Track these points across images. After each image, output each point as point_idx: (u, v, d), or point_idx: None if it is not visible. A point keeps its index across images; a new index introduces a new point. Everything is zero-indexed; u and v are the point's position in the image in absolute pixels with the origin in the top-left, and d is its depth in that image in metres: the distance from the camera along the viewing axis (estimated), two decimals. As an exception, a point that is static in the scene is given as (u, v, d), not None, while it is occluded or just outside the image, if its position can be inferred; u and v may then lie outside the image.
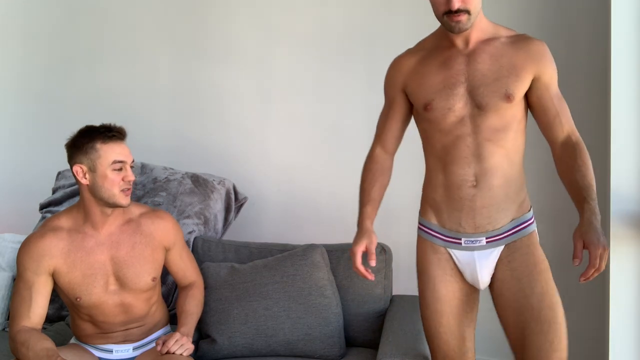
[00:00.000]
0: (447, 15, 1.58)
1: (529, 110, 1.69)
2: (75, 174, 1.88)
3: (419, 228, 1.78)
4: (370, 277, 1.71)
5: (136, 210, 2.03)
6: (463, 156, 1.64)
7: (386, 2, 2.73)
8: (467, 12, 1.57)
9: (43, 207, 2.78)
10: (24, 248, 1.90)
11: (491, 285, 1.72)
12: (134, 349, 1.99)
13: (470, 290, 1.73)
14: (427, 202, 1.75)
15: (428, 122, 1.70)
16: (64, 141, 1.93)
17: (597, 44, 2.38)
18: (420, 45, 1.76)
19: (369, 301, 2.25)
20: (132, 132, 2.00)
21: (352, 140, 2.76)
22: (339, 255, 2.29)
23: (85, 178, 1.87)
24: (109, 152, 1.86)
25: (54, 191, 2.80)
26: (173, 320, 2.19)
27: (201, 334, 2.25)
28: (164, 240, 2.01)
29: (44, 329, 2.05)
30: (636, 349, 1.94)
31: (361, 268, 1.70)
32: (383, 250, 2.28)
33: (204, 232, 2.53)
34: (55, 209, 2.71)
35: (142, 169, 2.69)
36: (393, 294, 2.35)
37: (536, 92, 1.64)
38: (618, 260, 1.94)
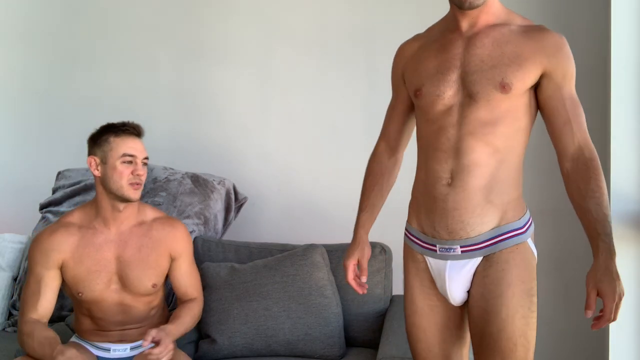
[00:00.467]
0: None
1: (539, 113, 1.51)
2: (89, 165, 1.94)
3: (404, 234, 1.63)
4: (362, 290, 1.66)
5: (151, 214, 2.04)
6: (442, 150, 1.46)
7: (386, 1, 2.73)
8: None
9: (43, 207, 2.78)
10: (35, 242, 1.95)
11: (467, 301, 1.52)
12: (132, 348, 1.99)
13: (452, 305, 1.54)
14: (412, 203, 1.60)
15: (419, 111, 1.55)
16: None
17: (597, 44, 2.38)
18: (429, 30, 1.61)
19: (369, 301, 2.25)
20: (132, 132, 2.00)
21: (352, 140, 2.76)
22: (339, 255, 2.29)
23: (97, 170, 1.92)
24: (120, 145, 1.91)
25: (54, 191, 2.80)
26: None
27: (201, 334, 2.25)
28: (170, 248, 2.00)
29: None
30: (636, 349, 1.94)
31: (353, 283, 1.65)
32: (383, 250, 2.28)
33: (204, 232, 2.53)
34: (55, 209, 2.71)
35: (142, 169, 2.70)
36: (393, 294, 2.36)
37: (546, 91, 1.44)
38: (618, 261, 1.94)
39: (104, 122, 2.00)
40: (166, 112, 2.99)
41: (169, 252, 2.00)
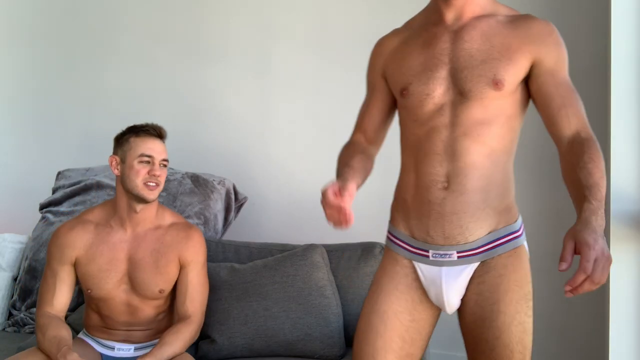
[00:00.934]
0: None
1: (532, 105, 1.44)
2: (110, 164, 1.97)
3: (386, 237, 1.54)
4: (345, 221, 1.29)
5: (170, 219, 2.04)
6: (436, 152, 1.38)
7: (387, 1, 2.73)
8: None
9: (43, 207, 2.78)
10: (53, 237, 1.98)
11: (460, 307, 1.45)
12: (136, 349, 1.99)
13: (420, 317, 1.45)
14: (397, 206, 1.50)
15: (405, 111, 1.46)
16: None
17: (597, 44, 2.38)
18: (408, 24, 1.54)
19: (369, 301, 2.25)
20: (132, 132, 2.00)
21: (352, 140, 2.76)
22: (339, 255, 2.29)
23: (117, 169, 1.96)
24: (139, 145, 1.93)
25: (54, 191, 2.80)
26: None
27: (201, 334, 2.25)
28: (180, 254, 1.98)
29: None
30: (636, 348, 1.94)
31: (333, 202, 1.27)
32: (383, 250, 2.28)
33: (204, 232, 2.53)
34: (55, 209, 2.71)
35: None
36: (393, 294, 2.35)
37: (537, 80, 1.38)
38: (618, 260, 1.94)
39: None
40: (166, 112, 2.99)
41: (178, 258, 1.99)
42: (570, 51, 2.67)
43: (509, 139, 1.41)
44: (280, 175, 2.88)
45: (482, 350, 1.38)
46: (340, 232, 2.28)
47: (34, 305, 2.53)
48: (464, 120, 1.37)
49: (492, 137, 1.38)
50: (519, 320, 1.37)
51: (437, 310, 1.49)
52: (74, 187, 2.72)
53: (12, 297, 2.64)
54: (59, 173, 2.86)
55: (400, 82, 1.44)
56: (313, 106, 2.85)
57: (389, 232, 1.53)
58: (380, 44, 1.57)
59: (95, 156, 2.79)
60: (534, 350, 2.35)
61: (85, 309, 2.05)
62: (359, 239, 2.32)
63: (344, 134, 2.81)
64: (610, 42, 1.99)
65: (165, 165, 1.99)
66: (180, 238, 2.00)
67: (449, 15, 1.42)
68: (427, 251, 1.42)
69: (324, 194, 1.29)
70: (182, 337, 1.91)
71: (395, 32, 1.56)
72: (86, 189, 2.70)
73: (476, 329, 1.39)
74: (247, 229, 2.84)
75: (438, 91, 1.39)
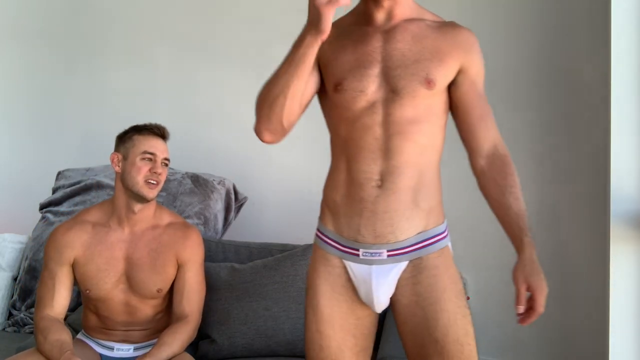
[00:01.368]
0: None
1: (450, 113, 1.47)
2: (111, 161, 1.98)
3: (315, 235, 1.53)
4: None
5: (168, 218, 2.04)
6: (370, 150, 1.39)
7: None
8: None
9: (43, 207, 2.78)
10: (50, 238, 1.98)
11: (393, 309, 1.46)
12: (135, 349, 1.99)
13: (364, 314, 1.47)
14: (327, 204, 1.49)
15: (335, 108, 1.45)
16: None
17: (597, 44, 2.38)
18: (336, 24, 1.48)
19: (369, 301, 2.24)
20: (132, 132, 2.00)
21: (352, 140, 2.76)
22: (339, 255, 2.29)
23: (118, 166, 1.97)
24: (142, 142, 1.95)
25: (54, 191, 2.80)
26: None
27: (201, 334, 2.25)
28: (178, 254, 1.98)
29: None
30: (636, 348, 1.94)
31: None
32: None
33: (204, 232, 2.53)
34: (55, 209, 2.71)
35: (142, 169, 2.70)
36: (393, 294, 2.35)
37: (461, 87, 1.42)
38: (618, 260, 1.94)
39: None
40: (166, 112, 2.99)
41: (175, 258, 1.99)
42: (571, 51, 2.68)
43: (439, 137, 1.44)
44: (280, 175, 2.87)
45: (433, 349, 1.39)
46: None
47: (34, 305, 2.52)
48: (396, 119, 1.38)
49: (424, 135, 1.40)
50: (461, 313, 1.41)
51: None
52: (74, 187, 2.72)
53: (12, 297, 2.64)
54: (59, 173, 2.86)
55: (334, 75, 1.43)
56: (313, 106, 2.85)
57: (318, 229, 1.53)
58: None
59: (95, 156, 2.78)
60: (534, 350, 2.36)
61: (83, 311, 2.05)
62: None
63: (344, 134, 2.81)
64: (610, 42, 1.99)
65: (166, 165, 2.00)
66: (177, 237, 2.00)
67: (379, 16, 1.43)
68: (357, 250, 1.43)
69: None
70: (180, 337, 1.91)
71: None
72: (86, 189, 2.70)
73: (422, 331, 1.41)
74: (247, 229, 2.84)
75: (371, 88, 1.39)
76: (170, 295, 2.02)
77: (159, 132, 2.00)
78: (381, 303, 1.45)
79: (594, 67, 2.36)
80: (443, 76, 1.39)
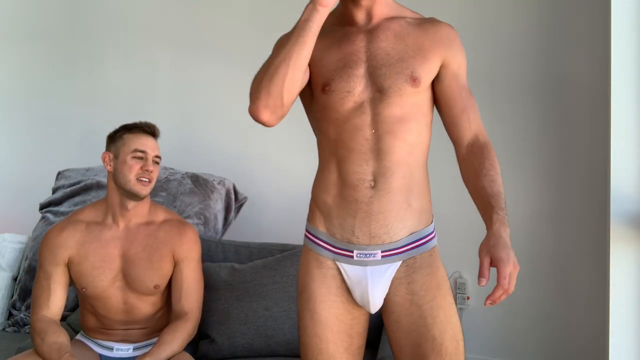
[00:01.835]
0: None
1: (434, 106, 1.48)
2: (103, 160, 1.98)
3: (305, 236, 1.53)
4: None
5: (163, 215, 2.04)
6: (361, 151, 1.39)
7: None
8: None
9: (43, 207, 2.78)
10: (44, 239, 1.97)
11: (386, 308, 1.46)
12: (135, 349, 1.99)
13: (359, 313, 1.48)
14: (317, 205, 1.50)
15: (323, 109, 1.45)
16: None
17: (597, 44, 2.38)
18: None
19: (369, 301, 2.24)
20: (132, 132, 2.00)
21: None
22: (339, 255, 2.29)
23: (110, 165, 1.97)
24: (133, 141, 1.95)
25: (54, 191, 2.80)
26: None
27: (201, 334, 2.25)
28: (174, 250, 1.98)
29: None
30: (636, 348, 1.94)
31: None
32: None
33: (204, 232, 2.53)
34: (55, 209, 2.71)
35: (142, 169, 2.70)
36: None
37: (444, 81, 1.43)
38: (618, 260, 1.94)
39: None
40: (166, 112, 2.99)
41: (172, 254, 1.98)
42: (571, 52, 2.68)
43: (426, 135, 1.45)
44: (280, 175, 2.88)
45: (430, 348, 1.40)
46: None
47: (34, 305, 2.53)
48: (385, 118, 1.39)
49: (412, 133, 1.41)
50: (454, 310, 1.44)
51: None
52: (74, 187, 2.72)
53: (12, 297, 2.64)
54: (59, 173, 2.86)
55: (322, 76, 1.43)
56: (313, 106, 2.85)
57: (308, 231, 1.53)
58: None
59: (95, 156, 2.76)
60: (534, 350, 2.36)
61: (81, 312, 2.04)
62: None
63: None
64: (610, 42, 1.99)
65: (157, 162, 1.99)
66: (173, 234, 2.00)
67: (360, 16, 1.44)
68: (351, 251, 1.43)
69: None
70: (180, 335, 1.91)
71: None
72: (86, 189, 2.70)
73: (420, 328, 1.41)
74: (247, 229, 2.84)
75: (358, 89, 1.40)
76: (168, 293, 2.02)
77: (149, 130, 1.99)
78: (376, 304, 1.45)
79: (594, 67, 2.37)
80: (427, 73, 1.41)
